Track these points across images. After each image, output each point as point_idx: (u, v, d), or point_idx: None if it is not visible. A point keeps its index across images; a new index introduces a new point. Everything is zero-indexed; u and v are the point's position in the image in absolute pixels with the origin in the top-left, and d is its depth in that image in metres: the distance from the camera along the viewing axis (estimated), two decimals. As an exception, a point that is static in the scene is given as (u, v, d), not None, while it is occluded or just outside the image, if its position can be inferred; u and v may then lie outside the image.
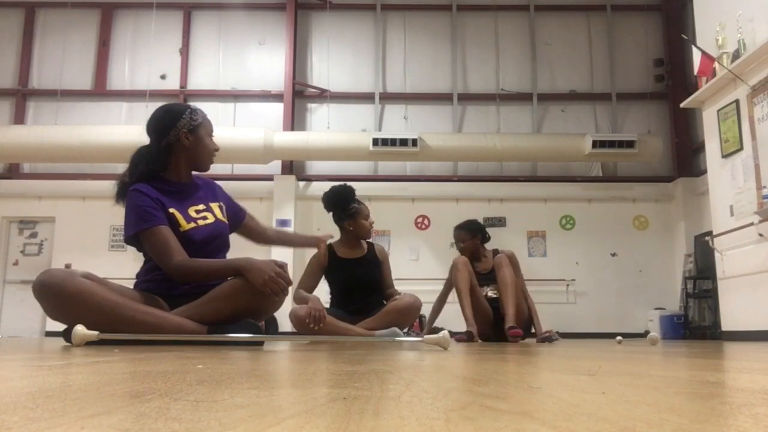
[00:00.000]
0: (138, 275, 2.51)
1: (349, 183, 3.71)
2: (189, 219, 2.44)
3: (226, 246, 2.60)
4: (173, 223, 2.38)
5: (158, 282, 2.41)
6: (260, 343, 2.19)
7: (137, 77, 9.82)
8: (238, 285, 2.25)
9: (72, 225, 9.08)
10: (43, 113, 9.66)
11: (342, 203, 3.56)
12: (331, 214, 3.64)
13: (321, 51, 9.99)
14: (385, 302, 3.48)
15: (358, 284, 3.50)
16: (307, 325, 3.07)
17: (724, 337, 5.95)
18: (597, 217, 9.34)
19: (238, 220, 2.72)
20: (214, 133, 2.60)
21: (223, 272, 2.32)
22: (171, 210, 2.39)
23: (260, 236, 2.85)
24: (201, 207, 2.52)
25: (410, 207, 9.33)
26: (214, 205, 2.57)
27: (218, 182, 2.77)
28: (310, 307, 3.10)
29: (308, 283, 3.49)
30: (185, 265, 2.29)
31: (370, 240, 3.72)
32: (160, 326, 2.15)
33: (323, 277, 3.60)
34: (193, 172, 2.59)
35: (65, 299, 2.09)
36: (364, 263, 3.57)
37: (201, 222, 2.46)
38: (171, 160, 2.47)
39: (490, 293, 4.25)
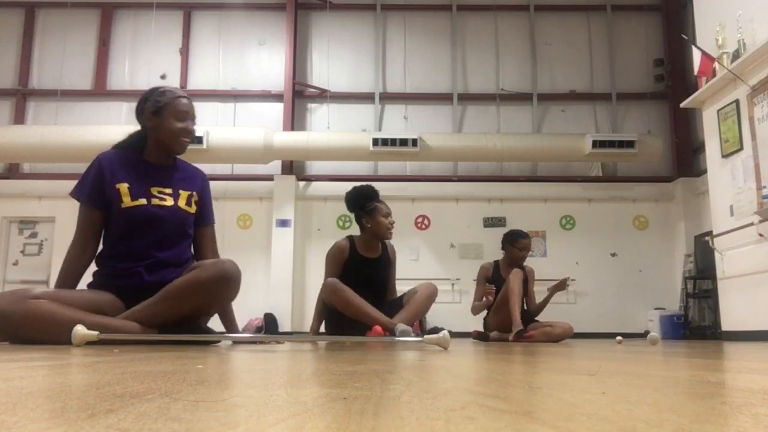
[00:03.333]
0: (96, 260, 2.45)
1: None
2: (140, 197, 2.38)
3: (183, 235, 2.49)
4: (116, 198, 2.37)
5: (114, 277, 2.36)
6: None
7: (137, 77, 9.82)
8: (187, 283, 2.25)
9: (72, 225, 8.92)
10: (43, 113, 9.66)
11: (362, 200, 3.58)
12: (353, 216, 3.71)
13: (321, 51, 9.99)
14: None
15: (368, 285, 3.51)
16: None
17: (724, 337, 5.94)
18: (597, 217, 9.34)
19: (199, 221, 2.60)
20: (194, 119, 2.52)
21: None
22: (118, 185, 2.37)
23: (197, 252, 2.63)
24: (168, 190, 2.46)
25: (410, 207, 9.32)
26: (184, 193, 2.50)
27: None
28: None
29: (334, 274, 3.51)
30: (60, 278, 2.39)
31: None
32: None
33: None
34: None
35: (13, 323, 2.07)
36: (379, 265, 3.61)
37: (155, 201, 2.41)
38: (147, 142, 2.50)
39: None
